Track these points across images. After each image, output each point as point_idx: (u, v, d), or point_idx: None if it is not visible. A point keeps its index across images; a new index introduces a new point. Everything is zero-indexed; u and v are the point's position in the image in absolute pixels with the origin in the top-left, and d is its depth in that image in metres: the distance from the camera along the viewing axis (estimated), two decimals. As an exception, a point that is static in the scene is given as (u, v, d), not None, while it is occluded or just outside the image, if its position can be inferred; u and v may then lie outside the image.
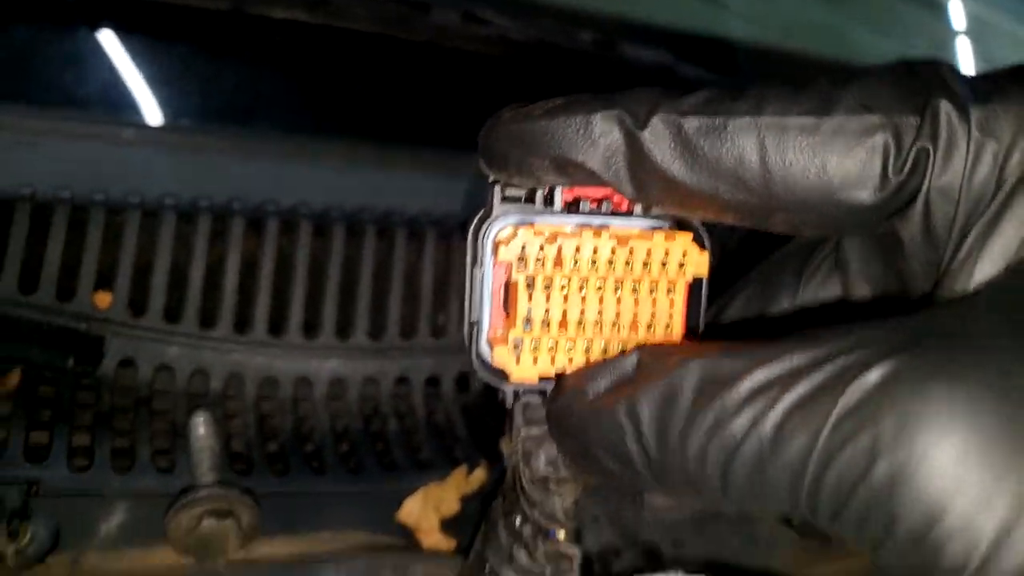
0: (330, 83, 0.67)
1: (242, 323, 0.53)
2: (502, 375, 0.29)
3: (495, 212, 0.28)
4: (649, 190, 0.24)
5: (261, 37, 0.66)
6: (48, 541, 0.41)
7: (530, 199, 0.28)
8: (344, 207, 0.56)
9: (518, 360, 0.28)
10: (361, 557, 0.41)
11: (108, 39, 0.60)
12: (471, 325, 0.29)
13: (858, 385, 0.18)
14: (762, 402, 0.20)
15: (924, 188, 0.21)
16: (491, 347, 0.28)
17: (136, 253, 0.52)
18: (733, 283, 0.32)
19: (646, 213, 0.27)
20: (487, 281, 0.28)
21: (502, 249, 0.27)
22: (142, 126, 0.58)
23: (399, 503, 0.47)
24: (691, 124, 0.23)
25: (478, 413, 0.55)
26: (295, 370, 0.53)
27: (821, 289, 0.28)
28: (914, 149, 0.21)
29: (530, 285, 0.27)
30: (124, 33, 0.61)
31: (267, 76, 0.65)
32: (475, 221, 0.28)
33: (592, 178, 0.25)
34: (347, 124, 0.64)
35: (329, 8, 0.64)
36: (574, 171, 0.25)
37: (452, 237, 0.58)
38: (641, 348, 0.25)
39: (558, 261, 0.27)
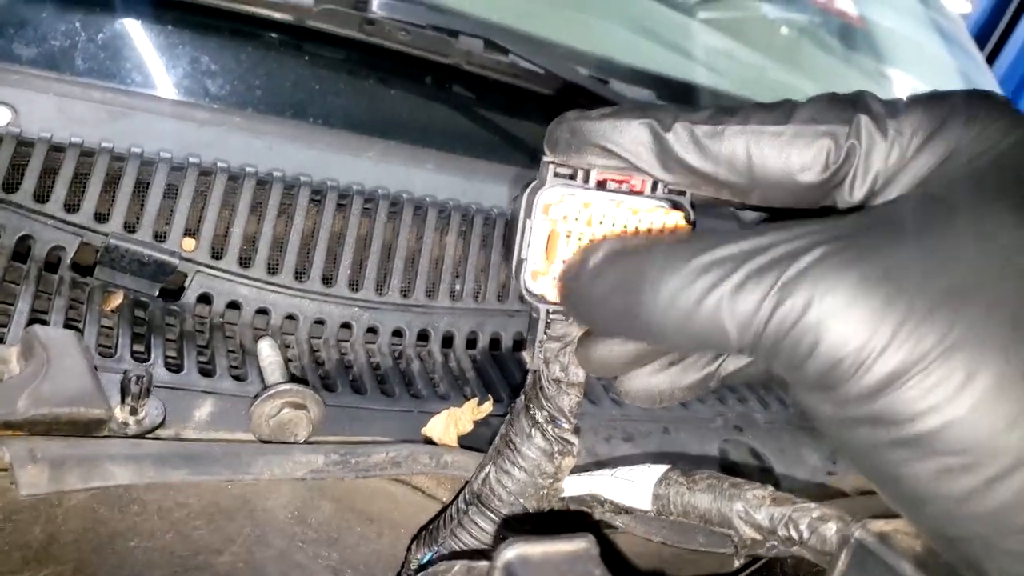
0: (370, 90, 0.80)
1: (300, 274, 0.65)
2: (540, 298, 0.41)
3: (548, 183, 0.39)
4: (671, 173, 0.35)
5: (317, 46, 0.78)
6: (158, 418, 0.52)
7: (572, 177, 0.39)
8: (388, 190, 0.69)
9: (555, 287, 0.39)
10: (405, 445, 0.52)
11: (199, 41, 0.73)
12: (519, 261, 0.40)
13: (797, 264, 0.28)
14: (730, 265, 0.29)
15: (852, 169, 0.32)
16: (533, 278, 0.40)
17: (219, 208, 0.63)
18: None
19: (652, 195, 0.39)
20: (535, 231, 0.39)
21: (552, 208, 0.38)
22: (215, 109, 0.70)
23: (424, 422, 0.59)
24: (701, 130, 0.34)
25: (484, 365, 0.68)
26: (340, 315, 0.65)
27: None
28: (846, 146, 0.32)
29: (568, 236, 0.38)
30: (209, 35, 0.74)
31: (320, 79, 0.77)
32: (530, 188, 0.40)
33: (625, 164, 0.35)
34: (382, 126, 0.76)
35: (377, 28, 0.77)
36: (614, 157, 0.35)
37: (473, 223, 0.71)
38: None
39: (589, 221, 0.38)
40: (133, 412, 0.51)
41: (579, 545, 0.35)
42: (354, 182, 0.68)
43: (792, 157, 0.33)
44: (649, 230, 0.38)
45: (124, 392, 0.50)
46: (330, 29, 0.77)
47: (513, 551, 0.34)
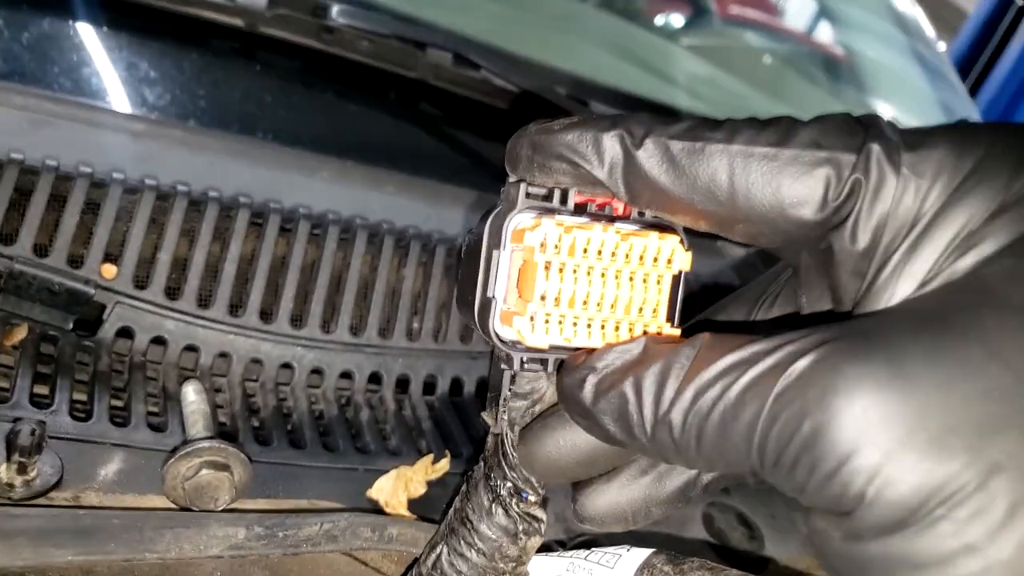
0: (328, 105, 0.73)
1: (235, 307, 0.57)
2: (511, 344, 0.34)
3: (519, 205, 0.32)
4: (640, 196, 0.29)
5: (271, 55, 0.71)
6: (53, 478, 0.44)
7: (547, 198, 0.32)
8: (340, 214, 0.62)
9: (532, 329, 0.32)
10: (342, 515, 0.45)
11: (138, 46, 0.66)
12: (486, 300, 0.34)
13: (794, 368, 0.23)
14: (728, 379, 0.25)
15: (856, 210, 0.27)
16: (504, 320, 0.34)
17: (145, 232, 0.56)
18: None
19: (640, 218, 0.33)
20: (504, 263, 0.33)
21: (527, 235, 0.32)
22: (153, 120, 0.63)
23: (370, 482, 0.52)
24: (676, 146, 0.28)
25: (442, 414, 0.60)
26: (279, 355, 0.57)
27: (772, 312, 0.35)
28: (850, 180, 0.26)
29: (548, 266, 0.31)
30: (150, 39, 0.67)
31: (272, 90, 0.71)
32: (496, 213, 0.34)
33: (596, 182, 0.30)
34: (340, 143, 0.70)
35: (336, 37, 0.70)
36: (583, 176, 0.30)
37: (434, 253, 0.64)
38: (646, 336, 0.31)
39: (572, 249, 0.32)
40: (21, 470, 0.43)
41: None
42: (302, 204, 0.61)
43: (784, 187, 0.27)
44: (641, 257, 0.32)
45: (11, 446, 0.43)
46: (284, 36, 0.70)
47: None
